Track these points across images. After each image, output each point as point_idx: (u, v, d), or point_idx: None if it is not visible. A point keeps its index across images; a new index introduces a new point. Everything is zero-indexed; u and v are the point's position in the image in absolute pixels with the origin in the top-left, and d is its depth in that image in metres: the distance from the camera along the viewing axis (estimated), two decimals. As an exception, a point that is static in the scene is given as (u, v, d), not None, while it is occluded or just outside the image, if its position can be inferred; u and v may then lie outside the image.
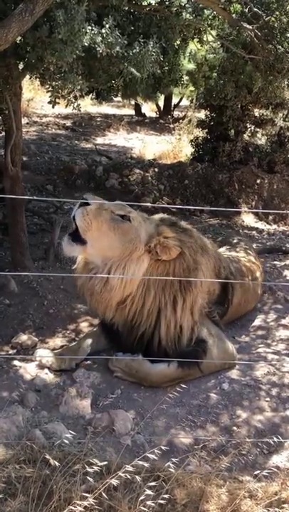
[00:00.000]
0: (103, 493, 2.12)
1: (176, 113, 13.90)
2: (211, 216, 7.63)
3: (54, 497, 2.15)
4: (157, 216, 3.64)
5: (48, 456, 2.27)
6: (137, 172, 8.26)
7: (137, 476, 2.22)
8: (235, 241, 4.93)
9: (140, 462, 2.24)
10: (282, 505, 2.35)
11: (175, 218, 3.69)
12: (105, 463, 2.29)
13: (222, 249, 4.58)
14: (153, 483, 2.23)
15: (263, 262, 5.25)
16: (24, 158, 8.04)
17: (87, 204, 3.21)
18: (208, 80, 7.47)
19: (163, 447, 2.47)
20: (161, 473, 2.38)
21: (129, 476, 2.15)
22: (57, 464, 2.24)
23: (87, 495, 2.10)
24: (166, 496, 2.22)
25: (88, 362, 3.59)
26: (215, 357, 3.50)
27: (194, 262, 3.45)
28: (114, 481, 2.11)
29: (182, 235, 3.46)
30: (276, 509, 2.31)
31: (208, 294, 3.69)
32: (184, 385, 3.15)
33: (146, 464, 2.25)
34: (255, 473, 2.52)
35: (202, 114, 9.24)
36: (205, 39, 5.21)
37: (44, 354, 3.54)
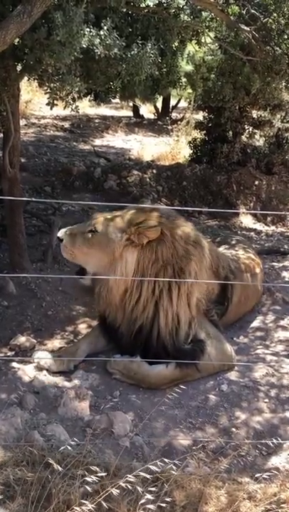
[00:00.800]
0: (102, 497, 2.11)
1: (174, 114, 13.90)
2: (209, 217, 7.63)
3: (53, 500, 2.14)
4: (147, 207, 3.77)
5: (47, 459, 2.26)
6: (135, 173, 8.26)
7: (136, 479, 2.21)
8: (233, 241, 4.95)
9: (142, 474, 2.23)
10: (282, 506, 2.35)
11: (159, 208, 3.82)
12: (104, 472, 2.27)
13: (221, 248, 4.60)
14: (152, 486, 2.22)
15: (262, 263, 5.25)
16: (22, 160, 8.02)
17: (62, 240, 3.64)
18: (206, 82, 7.48)
19: (162, 449, 2.46)
20: (161, 475, 2.37)
21: (129, 486, 2.13)
22: (56, 466, 2.23)
23: (85, 502, 2.09)
24: (165, 497, 2.21)
25: (87, 364, 3.58)
26: (213, 357, 3.50)
27: (184, 250, 3.49)
28: (115, 491, 2.10)
29: (163, 219, 3.52)
30: (275, 510, 2.31)
31: (207, 292, 3.69)
32: (182, 386, 3.14)
33: (148, 476, 2.23)
34: (255, 474, 2.51)
35: (200, 116, 9.25)
36: (203, 41, 5.22)
37: (42, 356, 3.53)
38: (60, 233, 3.67)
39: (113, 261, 3.47)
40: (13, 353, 3.70)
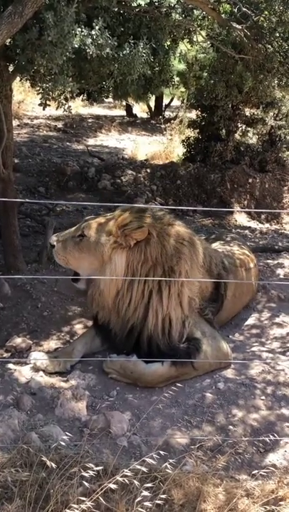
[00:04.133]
0: (100, 497, 2.12)
1: (167, 113, 13.92)
2: (203, 216, 7.65)
3: (51, 500, 2.14)
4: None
5: (44, 459, 2.26)
6: (129, 173, 8.26)
7: (134, 478, 2.21)
8: (228, 238, 4.97)
9: (138, 467, 2.23)
10: (279, 503, 2.36)
11: (149, 207, 3.82)
12: (101, 468, 2.28)
13: (215, 244, 4.61)
14: (150, 484, 2.23)
15: (257, 260, 5.26)
16: (16, 161, 8.01)
17: (53, 246, 3.70)
18: (198, 80, 7.49)
19: (159, 448, 2.47)
20: (158, 473, 2.38)
21: (126, 481, 2.14)
22: (54, 466, 2.23)
23: (83, 498, 2.09)
24: (163, 496, 2.22)
25: (83, 364, 3.58)
26: (209, 355, 3.51)
27: (174, 249, 3.49)
28: (112, 486, 2.10)
29: (148, 219, 3.52)
30: (273, 507, 2.32)
31: (200, 291, 3.70)
32: (179, 385, 3.15)
33: (144, 469, 2.24)
34: (252, 472, 2.52)
35: (193, 114, 9.26)
36: (195, 39, 5.23)
37: (39, 357, 3.53)
38: (52, 240, 3.74)
39: (103, 264, 3.49)
40: (9, 354, 3.70)
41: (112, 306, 3.52)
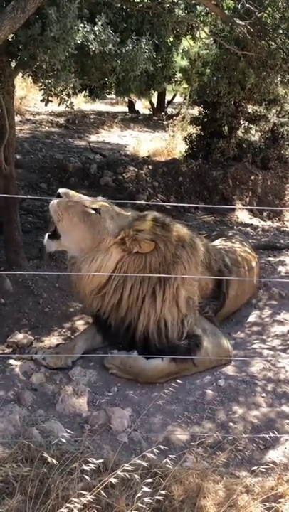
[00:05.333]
0: (101, 491, 2.13)
1: (169, 110, 13.87)
2: (205, 213, 7.64)
3: (51, 495, 2.15)
4: (148, 213, 3.66)
5: (45, 455, 2.27)
6: (131, 169, 8.25)
7: (134, 474, 2.22)
8: (230, 234, 4.96)
9: (138, 461, 2.24)
10: (279, 500, 2.37)
11: (161, 215, 3.68)
12: (101, 460, 2.29)
13: (217, 241, 4.61)
14: (150, 480, 2.24)
15: (258, 258, 5.26)
16: (18, 157, 8.00)
17: (60, 196, 3.38)
18: (201, 77, 7.47)
19: (160, 444, 2.48)
20: (159, 469, 2.39)
21: (127, 475, 2.15)
22: (54, 461, 2.24)
23: (84, 492, 2.10)
24: (163, 492, 2.23)
25: (84, 360, 3.59)
26: (209, 351, 3.51)
27: (173, 256, 3.47)
28: (113, 480, 2.12)
29: (158, 229, 3.48)
30: (273, 504, 2.33)
31: (200, 288, 3.69)
32: (179, 381, 3.15)
33: (144, 463, 2.25)
34: (252, 468, 2.53)
35: (196, 111, 9.24)
36: (198, 35, 5.21)
37: (40, 353, 3.54)
38: (62, 190, 3.41)
39: (95, 250, 3.37)
40: (10, 350, 3.70)
41: (89, 296, 3.45)
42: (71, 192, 3.45)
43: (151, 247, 3.38)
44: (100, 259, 3.37)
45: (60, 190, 3.41)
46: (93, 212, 3.40)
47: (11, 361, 3.49)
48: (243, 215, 7.79)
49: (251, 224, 7.54)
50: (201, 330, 3.57)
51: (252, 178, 8.31)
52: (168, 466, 2.36)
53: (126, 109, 14.60)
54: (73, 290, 3.57)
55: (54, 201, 3.38)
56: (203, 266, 3.75)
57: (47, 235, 3.51)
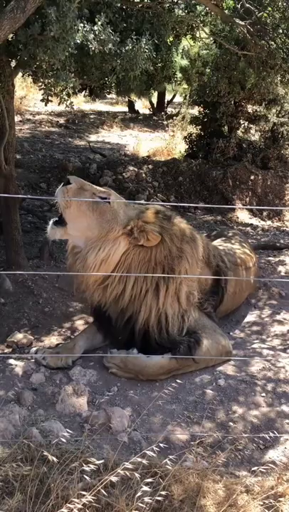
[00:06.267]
0: (101, 490, 2.13)
1: (169, 110, 13.89)
2: (205, 213, 7.64)
3: (52, 495, 2.15)
4: (152, 206, 3.67)
5: (45, 454, 2.27)
6: (131, 169, 8.25)
7: (134, 473, 2.23)
8: (230, 234, 4.97)
9: (138, 459, 2.24)
10: (279, 500, 2.37)
11: (164, 208, 3.67)
12: (102, 461, 2.29)
13: (217, 241, 4.61)
14: (150, 480, 2.24)
15: (258, 258, 5.27)
16: (17, 156, 8.01)
17: (69, 183, 3.32)
18: (201, 76, 7.48)
19: (160, 444, 2.48)
20: (158, 469, 2.39)
21: (127, 473, 2.15)
22: (55, 460, 2.24)
23: (84, 493, 2.11)
24: (163, 492, 2.23)
25: (84, 359, 3.59)
26: (209, 348, 3.51)
27: (178, 250, 3.47)
28: (113, 478, 2.12)
29: (165, 222, 3.48)
30: (272, 502, 2.33)
31: (200, 283, 3.69)
32: (179, 381, 3.15)
33: (144, 461, 2.25)
34: (252, 468, 2.53)
35: (195, 111, 9.25)
36: (198, 35, 5.22)
37: (40, 352, 3.54)
38: (71, 177, 3.37)
39: (104, 239, 3.32)
40: (10, 350, 3.71)
41: (93, 286, 3.40)
42: (81, 180, 3.41)
43: (157, 240, 3.37)
44: (107, 249, 3.31)
45: (70, 177, 3.36)
46: (101, 199, 3.36)
47: (11, 361, 3.49)
48: (242, 215, 7.79)
49: (251, 224, 7.54)
50: (201, 326, 3.57)
51: (252, 177, 8.31)
52: (168, 465, 2.36)
53: (126, 109, 14.61)
54: (75, 281, 3.47)
55: (63, 187, 3.31)
56: (203, 261, 3.75)
57: (52, 221, 3.41)
